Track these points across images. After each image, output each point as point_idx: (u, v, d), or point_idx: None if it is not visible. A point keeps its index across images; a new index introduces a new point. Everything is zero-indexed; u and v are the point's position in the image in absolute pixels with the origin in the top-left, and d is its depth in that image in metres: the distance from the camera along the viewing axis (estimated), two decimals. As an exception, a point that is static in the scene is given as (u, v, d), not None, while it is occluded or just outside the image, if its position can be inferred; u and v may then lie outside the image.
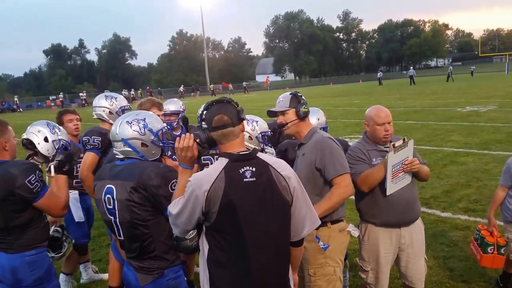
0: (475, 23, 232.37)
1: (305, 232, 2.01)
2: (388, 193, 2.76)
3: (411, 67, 47.16)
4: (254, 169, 1.87)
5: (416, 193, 2.99)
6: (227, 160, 1.88)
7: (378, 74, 47.63)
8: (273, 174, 1.89)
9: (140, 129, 2.28)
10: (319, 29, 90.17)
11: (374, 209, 2.87)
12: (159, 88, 62.31)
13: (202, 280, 1.96)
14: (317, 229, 2.16)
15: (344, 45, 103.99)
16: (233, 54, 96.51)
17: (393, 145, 2.67)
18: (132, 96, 48.50)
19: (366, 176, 2.78)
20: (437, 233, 4.82)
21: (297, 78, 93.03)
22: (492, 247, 3.29)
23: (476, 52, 71.47)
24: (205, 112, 1.96)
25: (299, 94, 2.76)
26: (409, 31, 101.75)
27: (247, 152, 1.93)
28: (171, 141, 2.45)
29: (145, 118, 2.33)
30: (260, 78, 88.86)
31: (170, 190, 2.16)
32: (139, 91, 54.91)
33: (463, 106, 17.25)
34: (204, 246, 1.93)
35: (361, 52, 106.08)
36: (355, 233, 2.81)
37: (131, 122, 2.29)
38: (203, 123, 1.95)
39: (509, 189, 3.39)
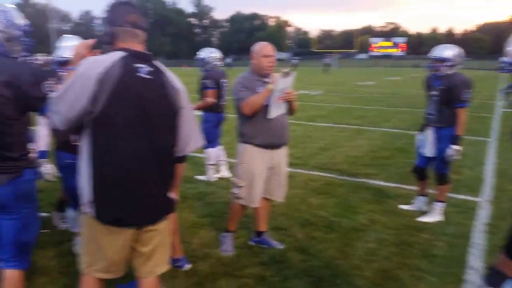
0: (310, 23, 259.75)
1: (188, 149, 2.04)
2: (271, 116, 3.11)
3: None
4: (152, 69, 1.85)
5: (287, 123, 3.38)
6: (125, 53, 1.81)
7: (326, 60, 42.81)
8: (167, 81, 1.89)
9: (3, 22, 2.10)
10: (173, 11, 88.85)
11: (255, 131, 3.22)
12: None
13: (81, 181, 1.85)
14: None
15: (197, 30, 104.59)
16: (84, 27, 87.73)
17: (283, 71, 3.07)
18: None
19: (251, 100, 3.09)
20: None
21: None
22: None
23: (311, 49, 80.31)
24: (118, 6, 1.89)
25: None
26: (256, 24, 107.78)
27: (146, 52, 1.89)
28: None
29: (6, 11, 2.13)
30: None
31: (43, 91, 2.07)
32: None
33: (297, 90, 19.43)
34: (85, 145, 1.81)
35: (214, 39, 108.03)
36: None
37: None
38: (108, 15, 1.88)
39: None
